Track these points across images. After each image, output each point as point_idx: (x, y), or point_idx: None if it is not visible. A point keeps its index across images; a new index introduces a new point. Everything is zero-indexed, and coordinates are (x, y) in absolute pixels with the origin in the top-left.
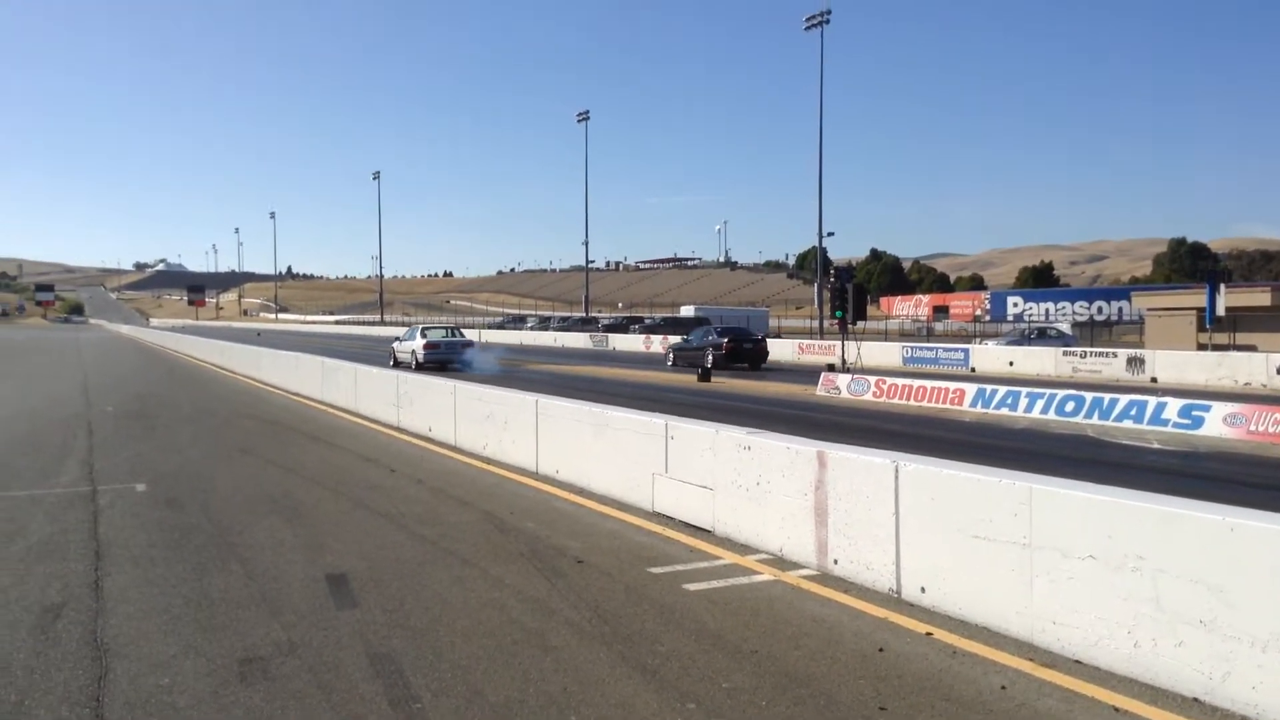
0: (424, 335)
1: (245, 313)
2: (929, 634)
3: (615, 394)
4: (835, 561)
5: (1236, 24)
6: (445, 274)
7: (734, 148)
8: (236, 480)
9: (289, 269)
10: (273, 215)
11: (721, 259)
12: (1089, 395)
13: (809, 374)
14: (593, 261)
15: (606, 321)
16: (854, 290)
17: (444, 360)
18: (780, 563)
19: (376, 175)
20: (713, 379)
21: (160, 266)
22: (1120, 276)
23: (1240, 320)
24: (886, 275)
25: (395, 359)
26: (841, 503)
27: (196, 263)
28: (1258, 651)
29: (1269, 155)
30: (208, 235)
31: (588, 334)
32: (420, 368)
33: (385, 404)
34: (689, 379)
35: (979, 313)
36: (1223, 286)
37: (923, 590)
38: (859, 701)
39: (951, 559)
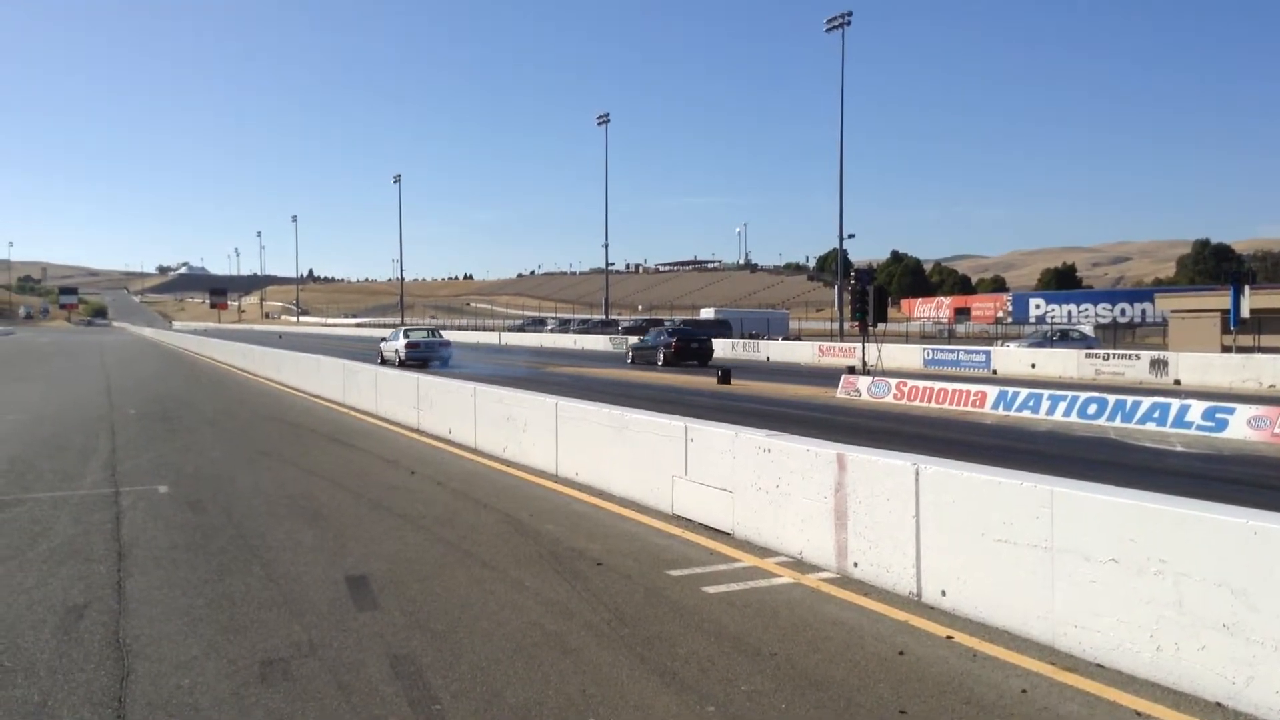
0: (406, 336)
1: (267, 315)
2: (949, 637)
3: (635, 396)
4: (855, 564)
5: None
6: (465, 277)
7: (754, 150)
8: (258, 482)
9: (310, 272)
10: (294, 219)
11: (742, 261)
12: (1111, 398)
13: (829, 376)
14: (613, 264)
15: (626, 324)
16: (874, 292)
17: (424, 358)
18: (800, 565)
19: (397, 178)
20: (733, 381)
21: (183, 270)
22: (1143, 278)
23: (1265, 322)
24: (907, 277)
25: (382, 357)
26: (861, 505)
27: (219, 266)
28: None
29: None
30: (230, 239)
31: (608, 336)
32: (403, 364)
33: (405, 406)
34: (709, 381)
35: (1001, 315)
36: (1247, 288)
37: (943, 593)
38: (879, 705)
39: (972, 562)
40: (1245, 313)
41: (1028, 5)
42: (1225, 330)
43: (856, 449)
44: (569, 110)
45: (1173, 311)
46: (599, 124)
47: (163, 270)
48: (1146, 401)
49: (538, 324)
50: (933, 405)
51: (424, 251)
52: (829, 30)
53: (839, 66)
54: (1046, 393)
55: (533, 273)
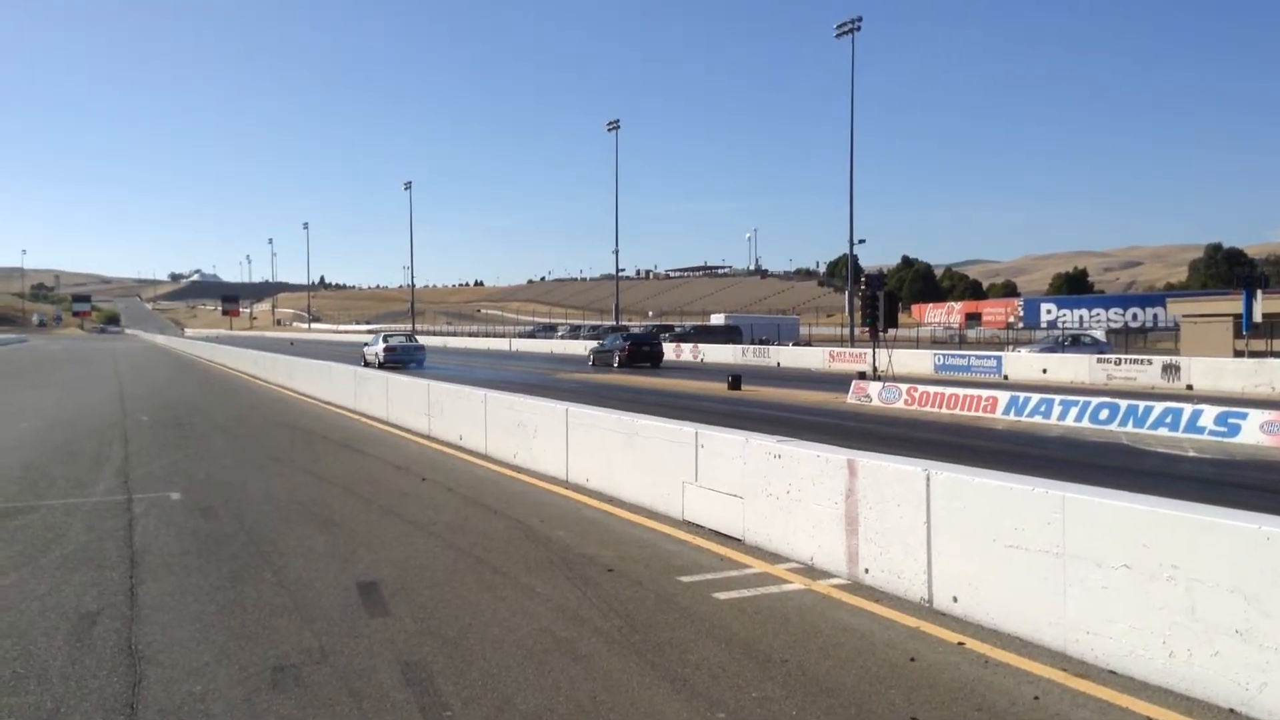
0: (385, 341)
1: (279, 322)
2: (961, 644)
3: (645, 402)
4: (866, 570)
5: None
6: (476, 283)
7: (764, 155)
8: (269, 489)
9: (322, 279)
10: (306, 226)
11: (752, 267)
12: (1123, 403)
13: (840, 382)
14: (623, 270)
15: (637, 330)
16: (885, 297)
17: (400, 360)
18: (811, 571)
19: (408, 185)
20: (743, 387)
21: (195, 277)
22: (1155, 283)
23: (1277, 326)
24: (918, 282)
25: (364, 360)
26: (872, 511)
27: (231, 273)
28: None
29: None
30: (242, 246)
31: None
32: (382, 366)
33: (416, 413)
34: (719, 387)
35: (1012, 320)
36: (1259, 292)
37: (955, 599)
38: (890, 712)
39: (984, 568)
40: (1258, 317)
41: (1038, 8)
42: (1238, 335)
43: (867, 454)
44: (580, 117)
45: (1185, 316)
46: (609, 130)
47: (175, 277)
48: (1159, 407)
49: (548, 330)
50: (944, 410)
51: (435, 258)
52: (839, 36)
53: (849, 71)
54: (1058, 398)
55: (544, 279)
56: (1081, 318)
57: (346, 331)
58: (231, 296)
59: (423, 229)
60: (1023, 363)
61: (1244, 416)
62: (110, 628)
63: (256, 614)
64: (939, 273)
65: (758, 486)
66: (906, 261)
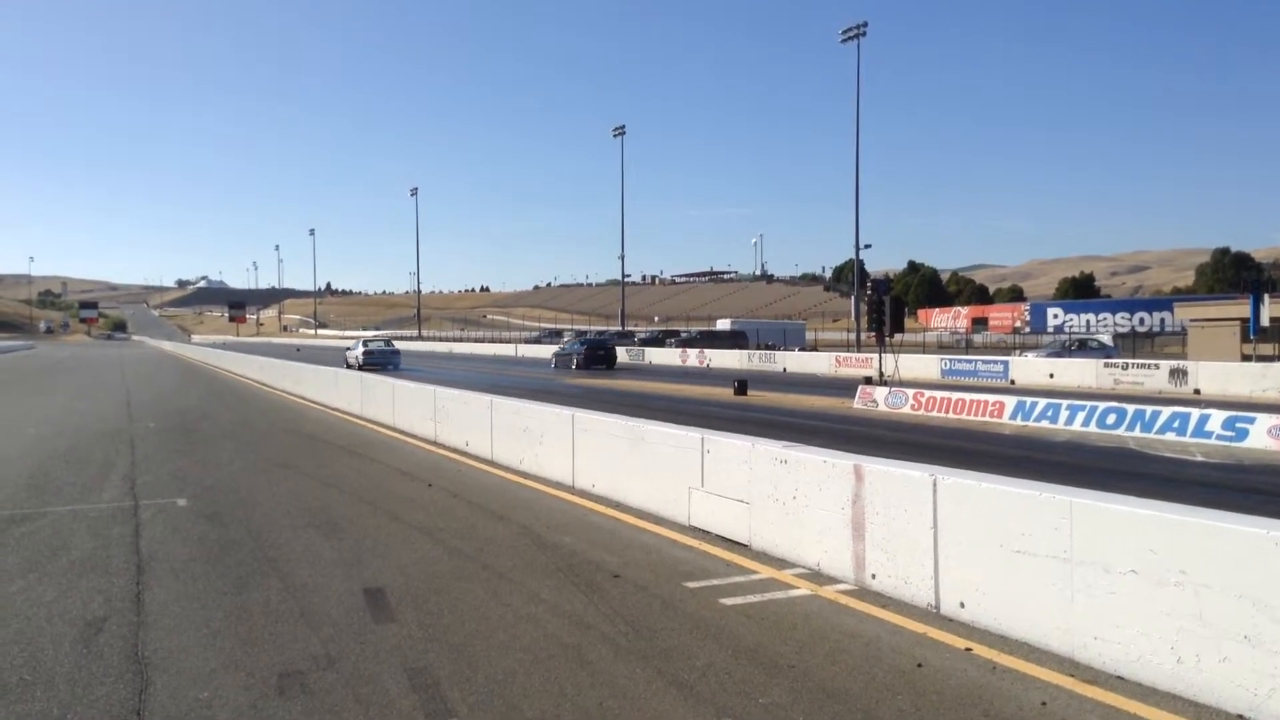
0: (364, 345)
1: (285, 329)
2: (968, 649)
3: (651, 408)
4: (873, 576)
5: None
6: (482, 289)
7: (770, 161)
8: (276, 495)
9: (328, 285)
10: (312, 232)
11: (758, 272)
12: (1131, 407)
13: (846, 387)
14: (629, 275)
15: (643, 335)
16: (891, 302)
17: (378, 363)
18: (817, 577)
19: (414, 191)
20: (749, 392)
21: (202, 283)
22: (1162, 287)
23: None
24: (924, 287)
25: (347, 363)
26: (879, 517)
27: (237, 280)
28: None
29: None
30: (248, 252)
31: (624, 348)
32: (362, 368)
33: (422, 418)
34: (725, 392)
35: (1018, 324)
36: (1267, 297)
37: (962, 605)
38: (898, 717)
39: (991, 573)
40: (1265, 321)
41: (1045, 13)
42: (1245, 339)
43: (874, 460)
44: (586, 122)
45: (1192, 320)
46: (615, 136)
47: (182, 284)
48: (1166, 411)
49: (554, 336)
50: (950, 415)
51: (441, 264)
52: (844, 41)
53: (855, 76)
54: (1065, 403)
55: (549, 284)
56: (1088, 322)
57: (353, 338)
58: (238, 303)
59: (429, 235)
60: (1029, 367)
61: (1252, 421)
62: (117, 634)
63: (263, 620)
64: (945, 277)
65: (764, 492)
66: (913, 266)
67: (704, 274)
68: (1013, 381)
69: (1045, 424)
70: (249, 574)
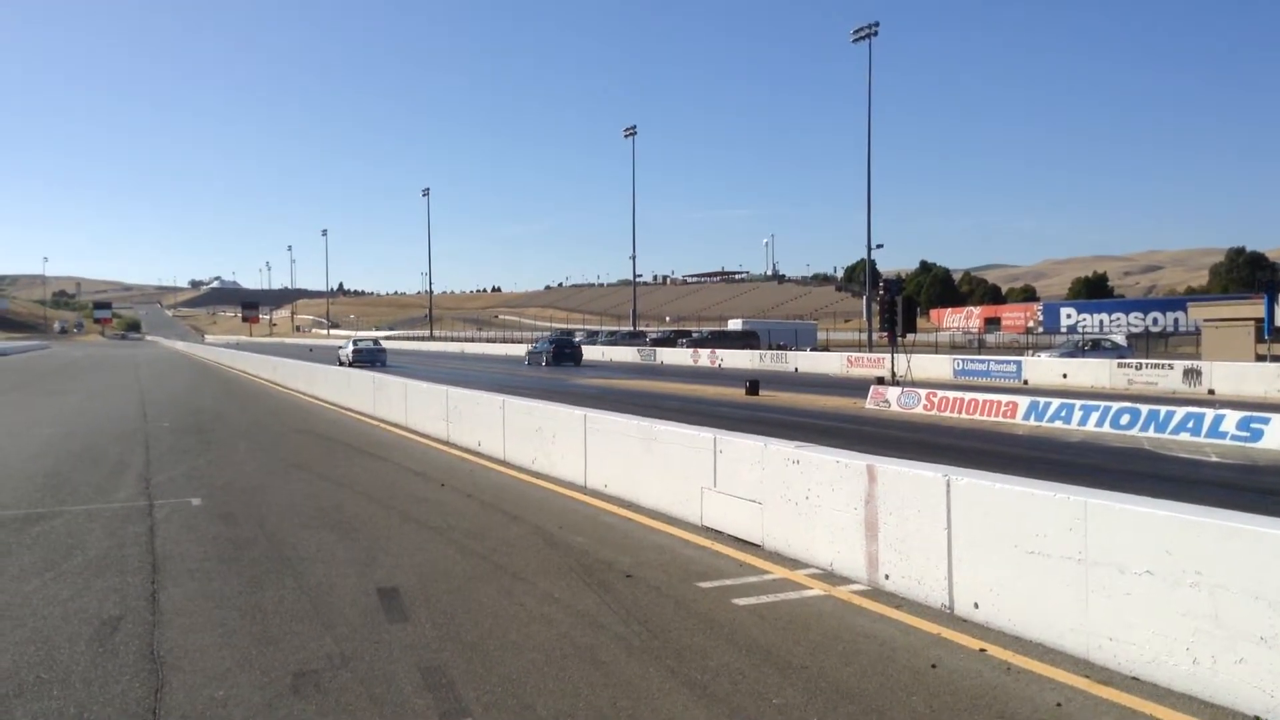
0: (354, 344)
1: (298, 329)
2: (982, 650)
3: (663, 408)
4: (886, 576)
5: None
6: (494, 289)
7: (782, 161)
8: (290, 494)
9: (341, 285)
10: (325, 233)
11: (769, 272)
12: (1145, 408)
13: (858, 387)
14: (640, 275)
15: (654, 335)
16: (903, 302)
17: (367, 360)
18: (830, 577)
19: (426, 192)
20: (761, 393)
21: (215, 284)
22: (1176, 287)
23: None
24: (936, 287)
25: (339, 360)
26: (892, 517)
27: (250, 280)
28: None
29: None
30: (261, 253)
31: (635, 348)
32: (352, 365)
33: (434, 418)
34: (737, 393)
35: (1031, 324)
36: None
37: (976, 606)
38: (912, 719)
39: (1005, 574)
40: None
41: (1059, 13)
42: (1260, 339)
43: (887, 460)
44: (597, 123)
45: (1206, 320)
46: (626, 136)
47: (195, 284)
48: (1180, 411)
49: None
50: (963, 416)
51: (453, 264)
52: (855, 41)
53: (866, 76)
54: (1079, 403)
55: (561, 285)
56: (1101, 322)
57: (365, 338)
58: (251, 303)
59: (441, 235)
60: (1043, 367)
61: (1267, 421)
62: (132, 633)
63: (277, 619)
64: (957, 277)
65: (777, 492)
66: (925, 266)
67: (715, 274)
68: (1026, 382)
69: (1059, 424)
70: (263, 573)
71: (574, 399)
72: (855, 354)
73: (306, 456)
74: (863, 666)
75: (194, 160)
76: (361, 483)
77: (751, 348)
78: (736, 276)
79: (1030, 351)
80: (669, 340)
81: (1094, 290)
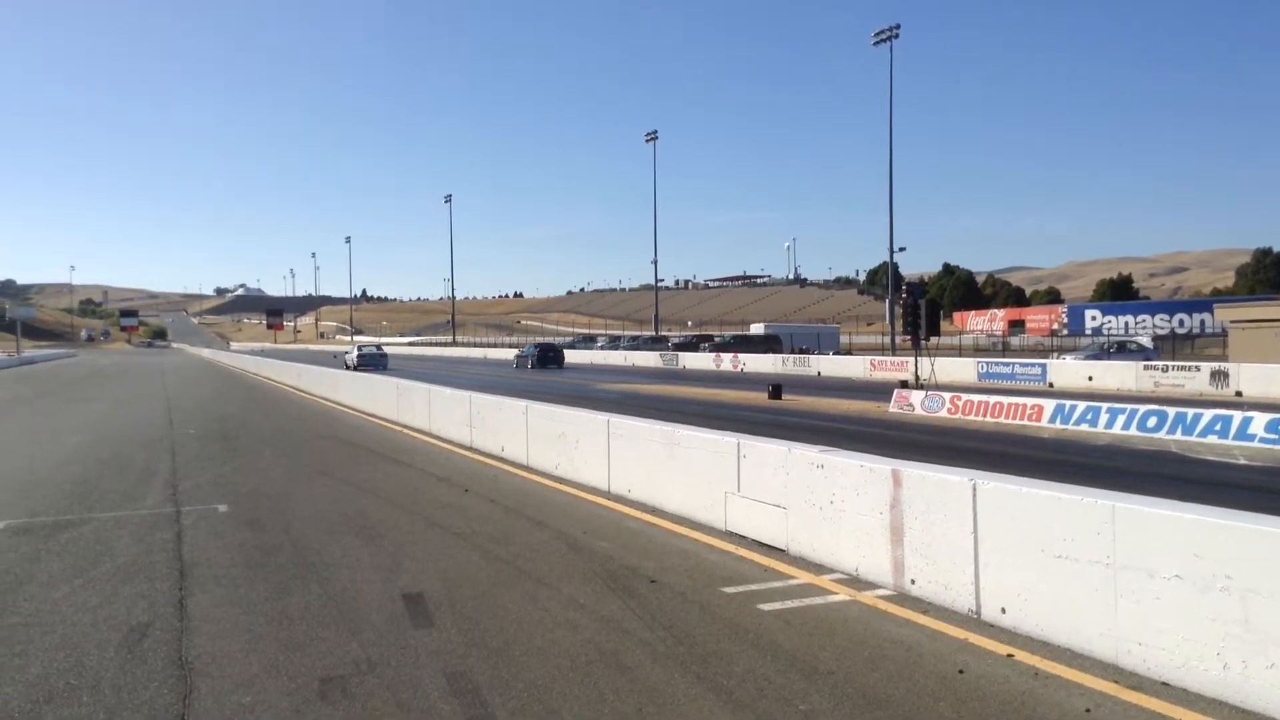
0: (358, 350)
1: (322, 335)
2: (1010, 655)
3: (686, 413)
4: (912, 581)
5: None
6: (516, 294)
7: (803, 164)
8: (315, 500)
9: (364, 292)
10: (348, 240)
11: (791, 276)
12: (1171, 410)
13: (881, 391)
14: (662, 280)
15: (676, 340)
16: (926, 305)
17: (370, 365)
18: (856, 582)
19: (448, 198)
20: (784, 397)
21: (240, 291)
22: (1202, 288)
23: None
24: (959, 290)
25: (345, 364)
26: (918, 522)
27: (275, 287)
28: None
29: None
30: (286, 260)
31: (658, 353)
32: (355, 369)
33: (458, 424)
34: (760, 397)
35: (1056, 327)
36: None
37: (1003, 611)
38: None
39: (1033, 579)
40: None
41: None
42: None
43: (912, 464)
44: (618, 128)
45: (1233, 322)
46: (647, 141)
47: (220, 292)
48: (1208, 414)
49: (588, 341)
50: (988, 419)
51: (475, 270)
52: (876, 43)
53: (887, 78)
54: (1105, 405)
55: (583, 290)
56: (1127, 324)
57: (388, 343)
58: (276, 310)
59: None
60: (1068, 370)
61: None
62: (161, 639)
63: (304, 625)
64: (980, 280)
65: (801, 497)
66: (948, 269)
67: (737, 278)
68: (1051, 384)
69: (1085, 427)
70: (289, 579)
71: (596, 404)
72: (878, 357)
73: (331, 462)
74: (889, 672)
75: (219, 168)
76: (386, 488)
77: (773, 352)
78: (758, 280)
79: (1055, 354)
80: (691, 345)
81: (1119, 292)
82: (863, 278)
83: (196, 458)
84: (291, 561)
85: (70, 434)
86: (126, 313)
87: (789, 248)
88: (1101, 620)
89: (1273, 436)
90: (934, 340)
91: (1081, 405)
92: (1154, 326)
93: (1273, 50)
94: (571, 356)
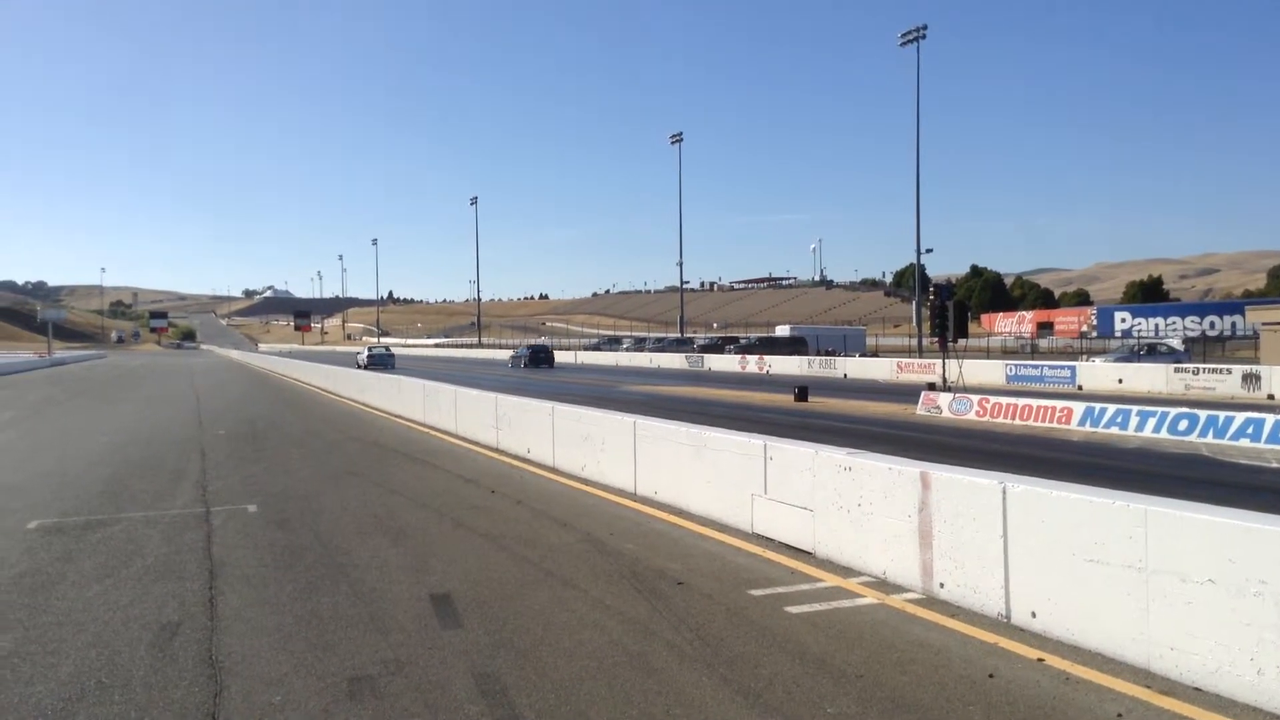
0: (369, 351)
1: (349, 337)
2: (1040, 660)
3: (711, 414)
4: (941, 585)
5: None
6: (541, 296)
7: (829, 165)
8: (343, 501)
9: (390, 294)
10: (375, 242)
11: (817, 278)
12: (1203, 413)
13: (909, 393)
14: (687, 282)
15: (702, 342)
16: (954, 307)
17: (379, 364)
18: (884, 586)
19: (474, 200)
20: (810, 399)
21: (268, 293)
22: (1233, 290)
23: None
24: (987, 292)
25: (358, 363)
26: (947, 525)
27: (302, 289)
28: None
29: None
30: (313, 262)
31: (683, 355)
32: (365, 367)
33: (484, 426)
34: (786, 399)
35: (1085, 329)
36: None
37: (1033, 615)
38: None
39: (1063, 583)
40: None
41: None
42: None
43: (940, 467)
44: (643, 130)
45: (1264, 324)
46: (673, 143)
47: (248, 294)
48: (1240, 417)
49: (613, 343)
50: (1017, 422)
51: (500, 272)
52: (903, 44)
53: (914, 80)
54: (1135, 408)
55: (608, 291)
56: (1157, 326)
57: (414, 345)
58: (303, 312)
59: (488, 243)
60: (1097, 372)
61: None
62: (191, 638)
63: (333, 625)
64: (1009, 281)
65: (828, 499)
66: (975, 271)
67: (763, 280)
68: (1080, 387)
69: (1115, 430)
70: (318, 579)
71: (622, 406)
72: (905, 359)
73: (359, 463)
74: (918, 676)
75: (248, 171)
76: (413, 489)
77: (799, 354)
78: (784, 282)
79: (1084, 356)
80: (716, 347)
81: (1149, 294)
82: (889, 279)
83: (226, 458)
84: (320, 561)
85: (102, 434)
86: (156, 314)
87: (814, 249)
88: (1133, 625)
89: None
90: (962, 342)
91: (1111, 408)
92: (1184, 329)
93: None
94: (596, 358)
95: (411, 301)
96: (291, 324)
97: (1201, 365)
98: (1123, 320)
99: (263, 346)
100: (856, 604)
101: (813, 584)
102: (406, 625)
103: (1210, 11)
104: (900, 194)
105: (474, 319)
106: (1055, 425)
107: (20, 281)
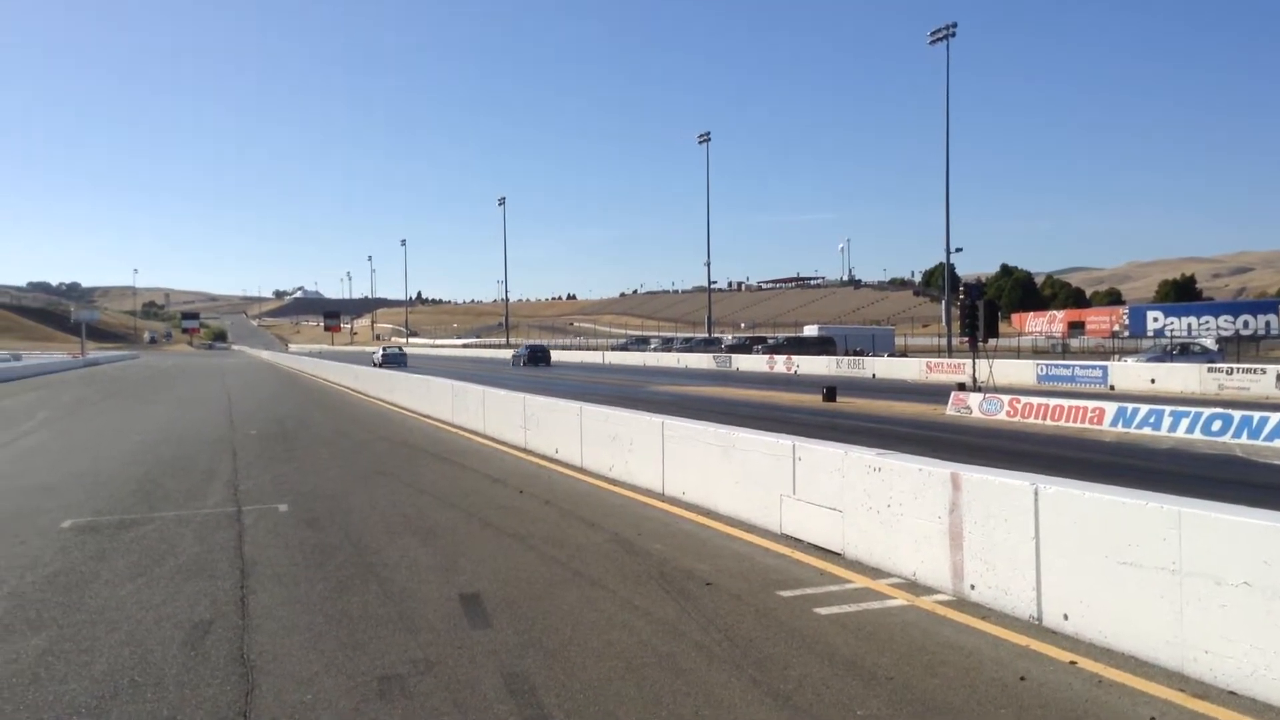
0: (384, 351)
1: (378, 337)
2: (1073, 662)
3: (739, 415)
4: (972, 587)
5: None
6: (569, 296)
7: (857, 164)
8: (373, 501)
9: (419, 294)
10: (403, 243)
11: (845, 277)
12: (1237, 414)
13: (938, 393)
14: (715, 282)
15: (729, 342)
16: (985, 306)
17: (393, 363)
18: (914, 587)
19: (502, 201)
20: (838, 399)
21: (298, 294)
22: (1267, 289)
23: None
24: (1018, 291)
25: (373, 362)
26: (978, 526)
27: (332, 290)
28: None
29: None
30: (342, 263)
31: (711, 355)
32: (380, 365)
33: (512, 426)
34: (814, 399)
35: (1117, 328)
36: None
37: (1065, 617)
38: None
39: (1096, 585)
40: None
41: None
42: None
43: (971, 468)
44: (671, 130)
45: None
46: (700, 142)
47: (279, 294)
48: (1274, 417)
49: (641, 343)
50: (1048, 422)
51: (528, 272)
52: (933, 42)
53: (944, 78)
54: (1168, 409)
55: (635, 292)
56: (1190, 326)
57: (443, 345)
58: (333, 313)
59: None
60: (1130, 372)
61: None
62: (223, 637)
63: (363, 624)
64: (1039, 281)
65: (857, 500)
66: (1005, 270)
67: (790, 280)
68: (1112, 387)
69: (1147, 431)
70: (348, 579)
71: (649, 405)
72: (934, 359)
73: (388, 463)
74: (949, 678)
75: (278, 173)
76: (441, 489)
77: (827, 354)
78: (812, 282)
79: (1116, 356)
80: (744, 347)
81: (1181, 293)
82: (918, 279)
83: (257, 458)
84: (350, 561)
85: (135, 434)
86: (188, 315)
87: (843, 249)
88: (1167, 627)
89: None
90: (992, 342)
91: (1144, 408)
92: (1218, 328)
93: None
94: (623, 359)
95: (440, 302)
96: (321, 324)
97: (1235, 365)
98: (1155, 319)
99: (293, 347)
100: (886, 605)
101: (842, 585)
102: (436, 625)
103: (1242, 10)
104: (929, 193)
105: (502, 319)
106: (1087, 426)
107: (54, 283)
